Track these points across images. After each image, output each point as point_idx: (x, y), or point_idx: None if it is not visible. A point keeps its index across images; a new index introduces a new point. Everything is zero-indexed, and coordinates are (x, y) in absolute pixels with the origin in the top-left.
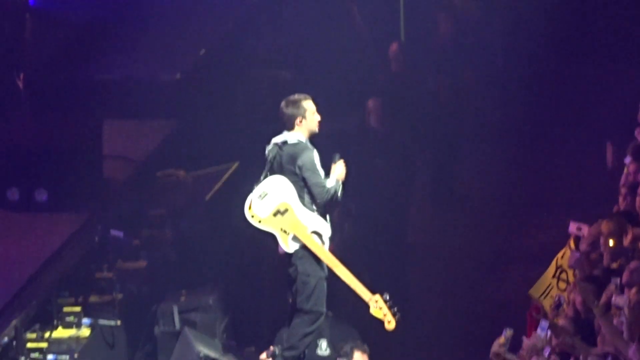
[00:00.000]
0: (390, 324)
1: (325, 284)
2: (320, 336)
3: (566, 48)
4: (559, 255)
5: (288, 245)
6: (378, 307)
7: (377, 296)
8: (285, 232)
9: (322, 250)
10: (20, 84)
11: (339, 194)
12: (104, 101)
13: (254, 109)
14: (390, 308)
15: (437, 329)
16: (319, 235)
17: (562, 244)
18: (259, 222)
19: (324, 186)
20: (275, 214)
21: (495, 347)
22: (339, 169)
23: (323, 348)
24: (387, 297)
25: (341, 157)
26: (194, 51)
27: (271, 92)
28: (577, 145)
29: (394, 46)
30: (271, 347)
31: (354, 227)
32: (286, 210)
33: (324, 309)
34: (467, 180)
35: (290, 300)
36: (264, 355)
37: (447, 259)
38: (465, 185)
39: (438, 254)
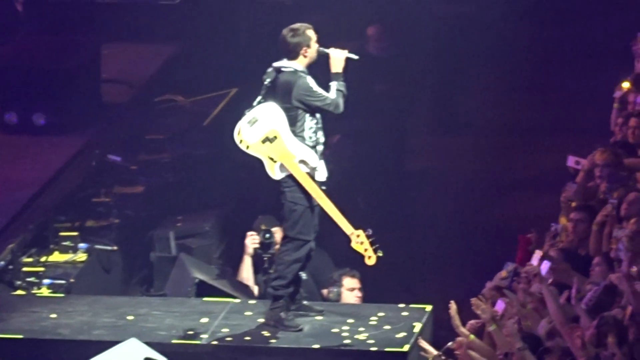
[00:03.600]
0: (370, 259)
1: (311, 213)
2: None
3: None
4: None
5: (275, 173)
6: (359, 241)
7: (360, 231)
8: (272, 159)
9: (308, 181)
10: (19, 6)
11: (344, 91)
12: (103, 24)
13: (254, 34)
14: (372, 244)
15: (434, 256)
16: (307, 165)
17: (563, 170)
18: (247, 147)
19: (331, 101)
20: (264, 141)
21: (496, 281)
22: (335, 62)
23: (303, 275)
24: (370, 233)
25: (323, 49)
26: None
27: (271, 17)
28: (581, 72)
29: None
30: (262, 227)
31: (353, 154)
32: (275, 138)
33: (310, 238)
34: (467, 106)
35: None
36: (257, 238)
37: (447, 186)
38: (466, 112)
39: (437, 180)
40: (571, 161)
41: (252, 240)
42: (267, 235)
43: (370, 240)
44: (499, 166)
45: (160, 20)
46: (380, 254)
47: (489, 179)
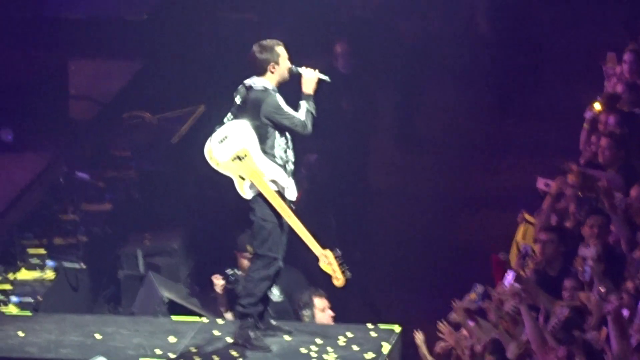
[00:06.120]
0: (338, 281)
1: (281, 231)
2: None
3: None
4: (518, 237)
5: (244, 192)
6: (328, 262)
7: (328, 251)
8: (242, 178)
9: (277, 200)
10: None
11: (314, 112)
12: (69, 40)
13: (220, 52)
14: (340, 265)
15: (400, 274)
16: (276, 184)
17: (526, 189)
18: (217, 165)
19: (299, 121)
20: (234, 159)
21: (465, 303)
22: (307, 82)
23: (276, 295)
24: (338, 253)
25: (297, 68)
26: None
27: (237, 35)
28: (545, 91)
29: None
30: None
31: (318, 171)
32: (245, 156)
33: (279, 255)
34: (432, 124)
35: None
36: (220, 282)
37: (411, 203)
38: (431, 130)
39: (402, 197)
40: (540, 183)
41: (218, 283)
42: (232, 279)
43: (339, 261)
44: (466, 184)
45: (127, 36)
46: (349, 276)
47: (456, 197)
